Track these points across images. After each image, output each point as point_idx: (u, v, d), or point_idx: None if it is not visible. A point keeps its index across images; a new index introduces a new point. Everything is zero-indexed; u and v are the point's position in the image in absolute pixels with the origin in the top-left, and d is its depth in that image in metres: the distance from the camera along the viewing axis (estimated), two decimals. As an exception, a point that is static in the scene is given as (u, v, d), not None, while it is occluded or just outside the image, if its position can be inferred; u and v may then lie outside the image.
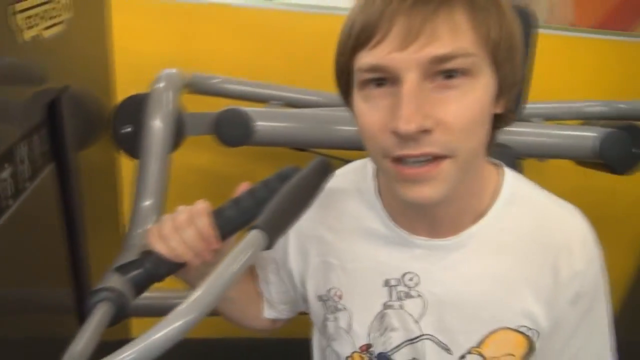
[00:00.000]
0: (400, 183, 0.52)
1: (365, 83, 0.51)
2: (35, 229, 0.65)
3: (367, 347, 0.65)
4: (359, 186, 0.65)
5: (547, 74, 1.39)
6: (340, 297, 0.65)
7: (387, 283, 0.63)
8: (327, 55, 1.20)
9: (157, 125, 0.76)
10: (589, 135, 1.07)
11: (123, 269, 0.58)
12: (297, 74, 1.35)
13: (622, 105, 1.14)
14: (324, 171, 0.57)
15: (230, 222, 0.58)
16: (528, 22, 0.97)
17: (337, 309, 0.65)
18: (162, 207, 0.76)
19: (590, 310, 0.63)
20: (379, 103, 0.50)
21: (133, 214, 0.73)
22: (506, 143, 1.03)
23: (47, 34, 0.60)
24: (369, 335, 0.64)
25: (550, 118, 1.21)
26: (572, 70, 1.47)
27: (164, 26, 1.28)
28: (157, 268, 0.57)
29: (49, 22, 0.60)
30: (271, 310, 0.76)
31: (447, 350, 0.62)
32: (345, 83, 0.54)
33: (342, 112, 1.03)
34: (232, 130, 0.91)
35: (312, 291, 0.68)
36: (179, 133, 0.96)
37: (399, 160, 0.50)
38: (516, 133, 1.09)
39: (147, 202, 0.73)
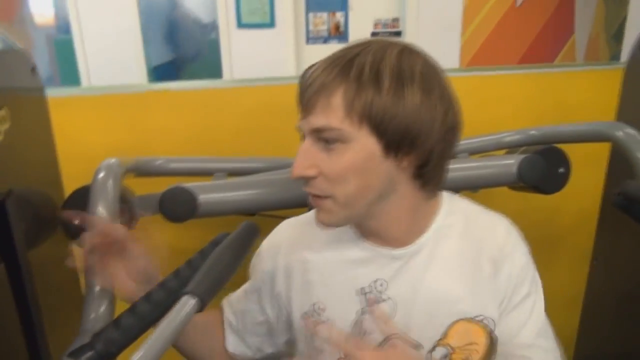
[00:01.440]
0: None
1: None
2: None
3: None
4: None
5: (477, 111, 1.51)
6: (323, 310, 0.76)
7: (361, 291, 0.74)
8: (264, 123, 1.30)
9: (101, 213, 0.81)
10: (508, 162, 1.17)
11: (75, 353, 0.62)
12: (240, 144, 1.44)
13: (533, 132, 1.26)
14: (251, 233, 0.64)
15: (173, 293, 0.63)
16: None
17: (321, 322, 0.75)
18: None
19: (529, 294, 0.75)
20: None
21: (86, 300, 0.77)
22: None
23: (-14, 147, 0.66)
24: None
25: (474, 152, 1.32)
26: (500, 105, 1.60)
27: (107, 117, 1.36)
28: (108, 348, 0.62)
29: (-13, 137, 0.66)
30: (238, 343, 0.84)
31: (417, 346, 0.72)
32: None
33: (278, 175, 1.11)
34: (176, 207, 0.97)
35: (297, 310, 0.78)
36: (130, 216, 1.02)
37: None
38: (445, 170, 1.19)
39: (98, 287, 0.77)
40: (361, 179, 0.66)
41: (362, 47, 0.66)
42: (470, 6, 3.87)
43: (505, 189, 1.36)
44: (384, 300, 0.73)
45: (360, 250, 0.76)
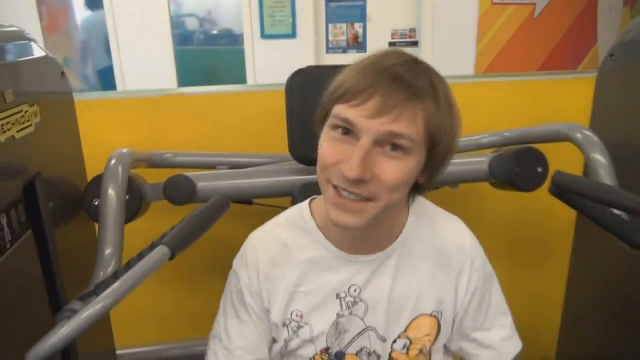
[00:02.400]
0: (333, 207, 0.69)
1: (335, 127, 0.68)
2: (18, 281, 0.85)
3: (325, 350, 0.82)
4: (302, 227, 0.83)
5: (464, 116, 1.60)
6: (301, 317, 0.82)
7: (337, 296, 0.80)
8: (272, 125, 1.44)
9: (110, 193, 0.98)
10: (480, 160, 1.29)
11: (82, 297, 0.78)
12: (249, 144, 1.59)
13: (507, 134, 1.36)
14: (221, 205, 0.79)
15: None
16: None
17: (299, 327, 0.82)
18: (120, 254, 0.96)
19: (491, 284, 0.85)
20: (340, 145, 0.67)
21: (97, 261, 0.93)
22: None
23: (19, 135, 0.83)
24: (327, 340, 0.82)
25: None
26: (487, 110, 1.69)
27: (127, 118, 1.54)
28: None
29: (20, 127, 0.83)
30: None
31: (383, 339, 0.81)
32: (322, 117, 0.72)
33: (271, 167, 1.25)
34: (178, 193, 1.13)
35: (278, 320, 0.83)
36: (141, 201, 1.19)
37: (337, 188, 0.68)
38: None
39: (107, 251, 0.93)
40: (405, 188, 0.70)
41: (416, 64, 0.68)
42: (485, 16, 3.94)
43: (499, 191, 1.45)
44: (357, 303, 0.80)
45: (334, 259, 0.80)
